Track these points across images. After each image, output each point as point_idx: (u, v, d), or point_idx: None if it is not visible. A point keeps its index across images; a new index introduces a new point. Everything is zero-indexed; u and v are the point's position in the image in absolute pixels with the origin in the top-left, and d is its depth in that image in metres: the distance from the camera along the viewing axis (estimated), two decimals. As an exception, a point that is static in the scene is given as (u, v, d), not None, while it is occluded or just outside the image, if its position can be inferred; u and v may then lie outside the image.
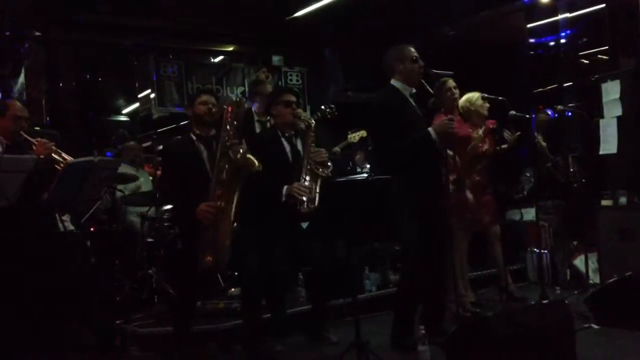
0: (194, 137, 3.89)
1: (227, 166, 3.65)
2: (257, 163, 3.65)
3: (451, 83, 4.54)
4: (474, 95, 4.76)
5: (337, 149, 5.41)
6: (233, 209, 3.67)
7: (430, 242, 3.89)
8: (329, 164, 4.15)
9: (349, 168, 7.25)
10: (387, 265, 5.44)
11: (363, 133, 5.30)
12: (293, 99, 4.19)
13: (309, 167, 4.10)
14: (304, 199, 3.98)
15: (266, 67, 8.04)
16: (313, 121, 4.22)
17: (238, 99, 3.88)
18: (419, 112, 4.00)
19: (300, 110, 4.33)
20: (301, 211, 3.98)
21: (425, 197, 3.84)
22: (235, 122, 3.73)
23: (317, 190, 4.05)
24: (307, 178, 4.07)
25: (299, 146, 4.23)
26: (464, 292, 4.79)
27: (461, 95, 4.70)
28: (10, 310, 3.76)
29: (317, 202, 4.01)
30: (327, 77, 8.63)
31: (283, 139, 4.20)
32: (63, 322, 3.98)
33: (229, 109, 3.76)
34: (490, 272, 5.48)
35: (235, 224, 3.67)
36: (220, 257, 3.67)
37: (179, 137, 4.39)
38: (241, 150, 3.67)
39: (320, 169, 4.09)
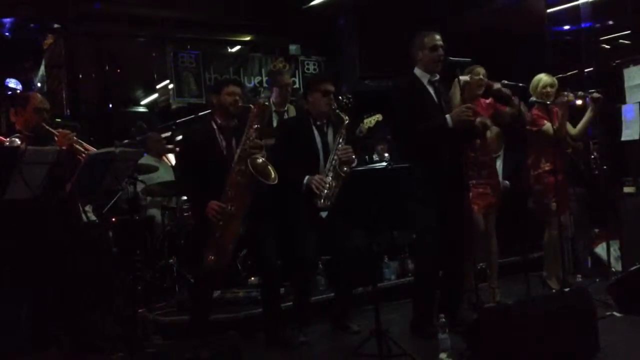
0: (215, 126, 3.91)
1: (245, 171, 3.69)
2: (273, 174, 3.72)
3: (479, 70, 4.51)
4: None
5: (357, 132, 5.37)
6: (242, 214, 3.73)
7: (446, 230, 3.90)
8: (353, 164, 4.13)
9: (367, 157, 7.22)
10: (406, 253, 5.44)
11: (379, 117, 5.28)
12: (332, 88, 4.14)
13: (334, 163, 4.07)
14: (322, 193, 3.97)
15: (283, 57, 8.02)
16: (347, 118, 4.15)
17: (265, 102, 3.89)
18: (438, 99, 3.99)
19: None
20: (317, 205, 3.99)
21: (443, 185, 3.85)
22: (258, 125, 3.76)
23: (336, 189, 4.03)
24: (331, 174, 4.06)
25: (330, 137, 4.18)
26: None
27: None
28: (35, 299, 3.83)
29: (333, 199, 4.01)
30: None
31: (314, 127, 4.16)
32: (87, 311, 4.03)
33: (255, 110, 3.78)
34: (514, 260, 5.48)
35: (242, 230, 3.75)
36: (222, 258, 3.73)
37: (199, 124, 4.42)
38: (261, 159, 3.73)
39: (345, 168, 4.06)
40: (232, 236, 3.74)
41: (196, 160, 3.87)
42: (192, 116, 7.61)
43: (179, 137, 7.01)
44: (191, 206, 4.78)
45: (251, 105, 3.84)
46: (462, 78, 4.14)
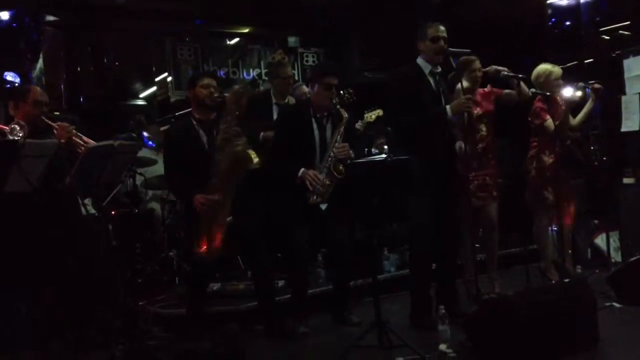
0: (194, 122, 3.92)
1: (224, 159, 3.69)
2: (254, 160, 3.71)
3: (477, 65, 4.51)
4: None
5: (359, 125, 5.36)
6: (229, 202, 3.72)
7: (440, 223, 3.91)
8: (349, 161, 4.12)
9: (366, 150, 7.20)
10: (405, 246, 5.43)
11: (379, 112, 5.27)
12: (335, 82, 4.10)
13: (330, 160, 4.06)
14: (313, 189, 3.96)
15: (282, 49, 7.99)
16: (346, 115, 4.13)
17: (240, 90, 3.88)
18: (438, 90, 3.99)
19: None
20: (308, 201, 3.98)
21: (437, 177, 3.85)
22: (236, 112, 3.75)
23: (330, 187, 4.03)
24: (325, 171, 4.04)
25: (328, 132, 4.15)
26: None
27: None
28: (35, 293, 3.83)
29: (325, 197, 4.01)
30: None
31: (314, 120, 4.13)
32: (87, 305, 4.04)
33: (230, 98, 3.78)
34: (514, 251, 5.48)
35: (230, 217, 3.74)
36: (214, 248, 3.73)
37: (179, 121, 4.44)
38: (240, 146, 3.71)
39: (340, 167, 4.05)
40: (221, 224, 3.74)
41: (180, 157, 3.87)
42: (190, 109, 7.60)
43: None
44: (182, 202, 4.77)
45: (226, 95, 3.85)
46: (465, 85, 4.15)
